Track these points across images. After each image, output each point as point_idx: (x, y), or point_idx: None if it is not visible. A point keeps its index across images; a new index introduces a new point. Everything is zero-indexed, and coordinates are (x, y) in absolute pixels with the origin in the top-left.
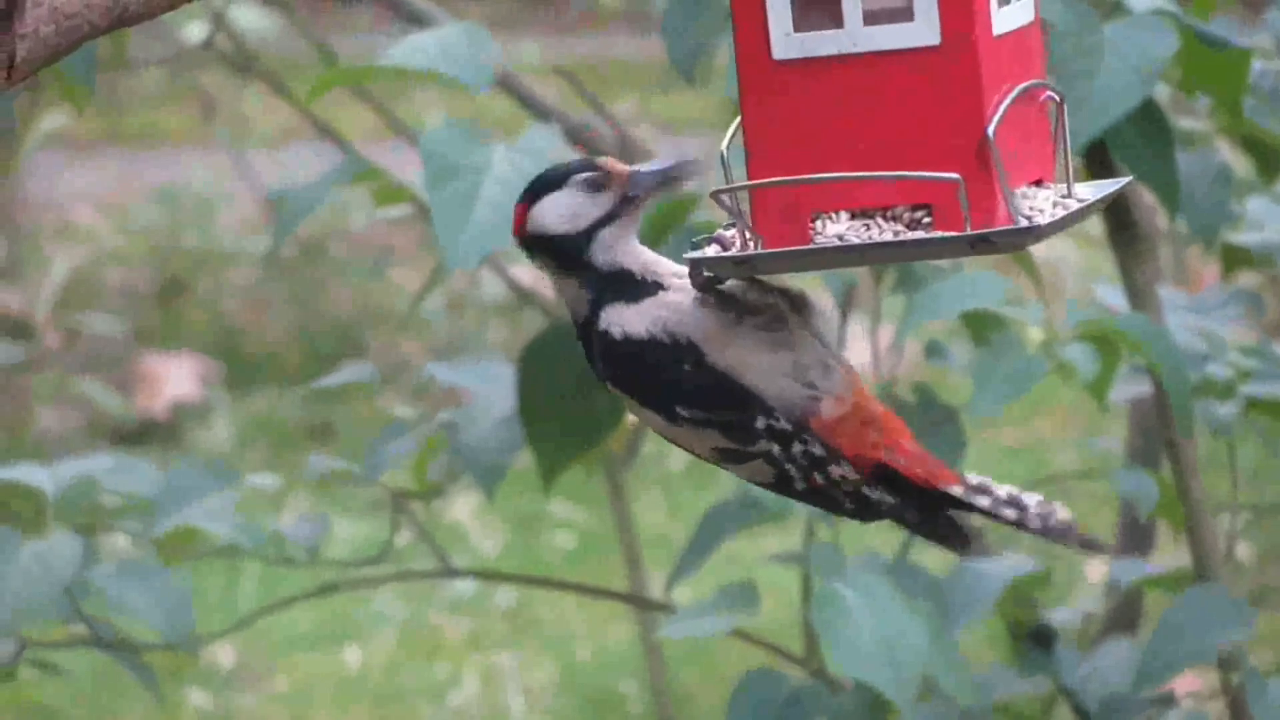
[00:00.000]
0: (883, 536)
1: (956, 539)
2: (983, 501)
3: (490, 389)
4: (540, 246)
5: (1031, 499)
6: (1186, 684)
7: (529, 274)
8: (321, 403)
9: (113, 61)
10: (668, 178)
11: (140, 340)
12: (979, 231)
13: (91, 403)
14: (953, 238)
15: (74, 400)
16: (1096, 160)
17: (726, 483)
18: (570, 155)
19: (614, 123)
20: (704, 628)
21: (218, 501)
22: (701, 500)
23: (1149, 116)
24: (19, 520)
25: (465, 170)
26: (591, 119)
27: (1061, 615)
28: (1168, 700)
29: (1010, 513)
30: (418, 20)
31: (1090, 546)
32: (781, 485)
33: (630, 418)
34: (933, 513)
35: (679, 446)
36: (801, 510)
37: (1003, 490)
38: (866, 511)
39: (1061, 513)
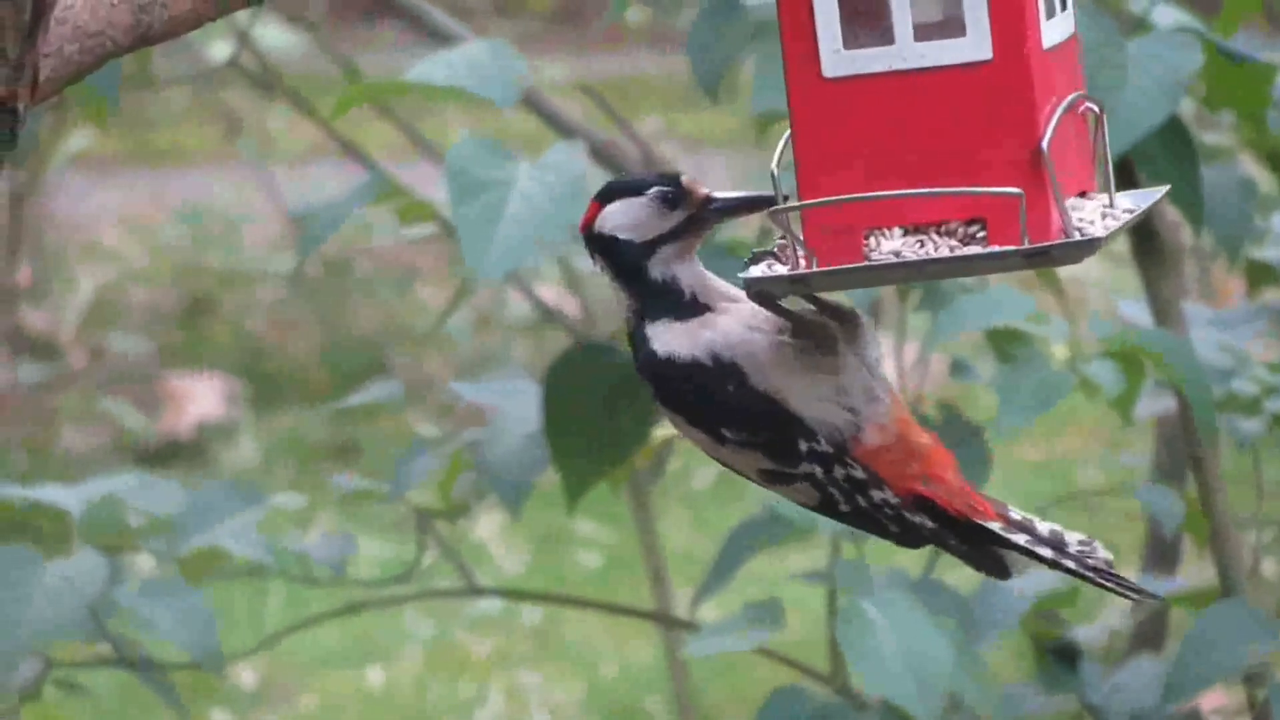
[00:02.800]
0: (908, 554)
1: (996, 568)
2: (1019, 539)
3: (515, 407)
4: (602, 247)
5: (1073, 537)
6: (1212, 700)
7: (554, 293)
8: (347, 421)
9: (137, 80)
10: (741, 207)
11: (165, 359)
12: (1037, 245)
13: (117, 422)
14: (1010, 252)
15: (99, 420)
16: (1121, 176)
17: (752, 500)
18: (596, 173)
19: (638, 140)
20: (729, 645)
21: (243, 521)
22: (727, 517)
23: (1173, 132)
24: (44, 540)
25: (490, 185)
26: (616, 136)
27: (1087, 632)
28: (1194, 716)
29: (1047, 552)
30: (443, 38)
31: (1129, 590)
32: (827, 507)
33: (659, 434)
34: (973, 543)
35: (726, 466)
36: (827, 528)
37: (1044, 527)
38: (909, 536)
39: (1101, 551)
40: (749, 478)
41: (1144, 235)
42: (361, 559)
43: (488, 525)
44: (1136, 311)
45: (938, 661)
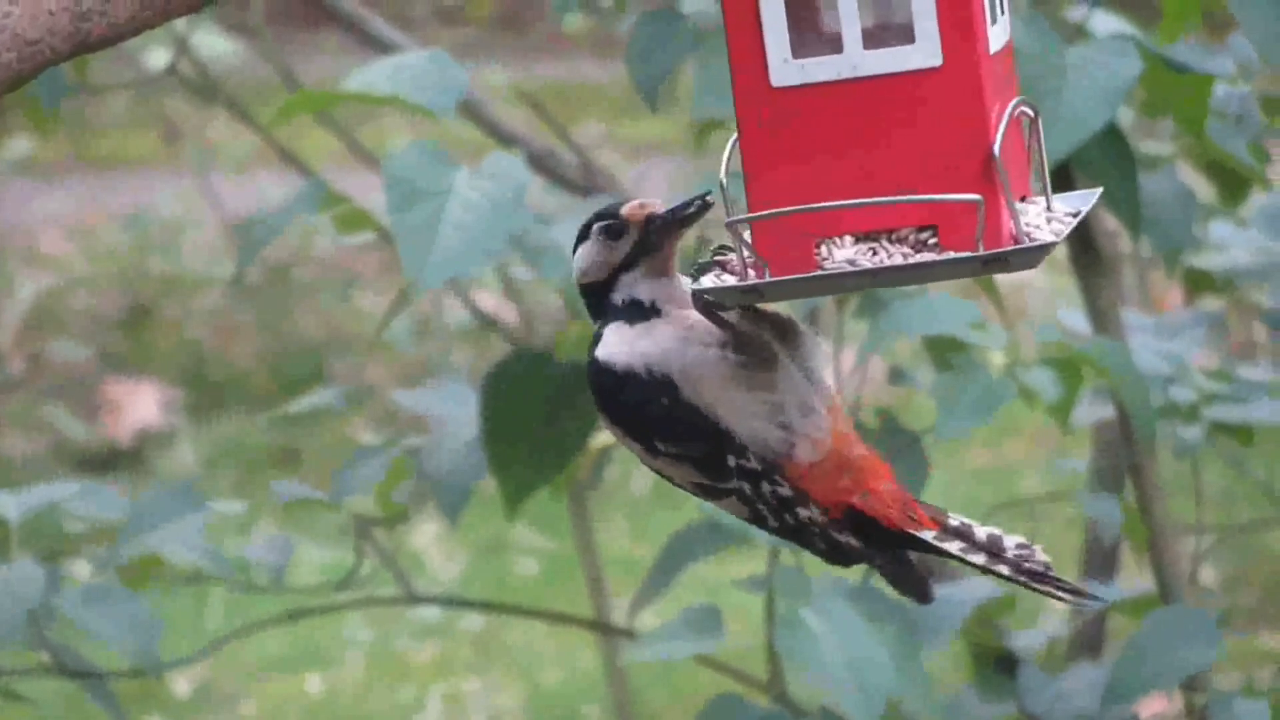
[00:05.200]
0: None
1: (919, 590)
2: (952, 547)
3: (455, 414)
4: (584, 294)
5: (1011, 541)
6: (1152, 706)
7: (492, 299)
8: (288, 428)
9: (77, 86)
10: (682, 215)
11: (106, 366)
12: (993, 251)
13: (57, 429)
14: (966, 258)
15: (39, 426)
16: (1059, 182)
17: (691, 507)
18: (535, 181)
19: (578, 147)
20: (668, 652)
21: (184, 527)
22: (666, 524)
23: (1112, 140)
24: None
25: (429, 194)
26: (556, 143)
27: (1026, 639)
28: None
29: (979, 558)
30: (383, 46)
31: (1067, 592)
32: (757, 522)
33: (597, 441)
34: (903, 556)
35: (662, 477)
36: (766, 534)
37: (983, 532)
38: (837, 554)
39: (1039, 555)
40: (685, 489)
41: (1083, 243)
42: (302, 566)
43: (426, 532)
44: (1076, 319)
45: (878, 669)
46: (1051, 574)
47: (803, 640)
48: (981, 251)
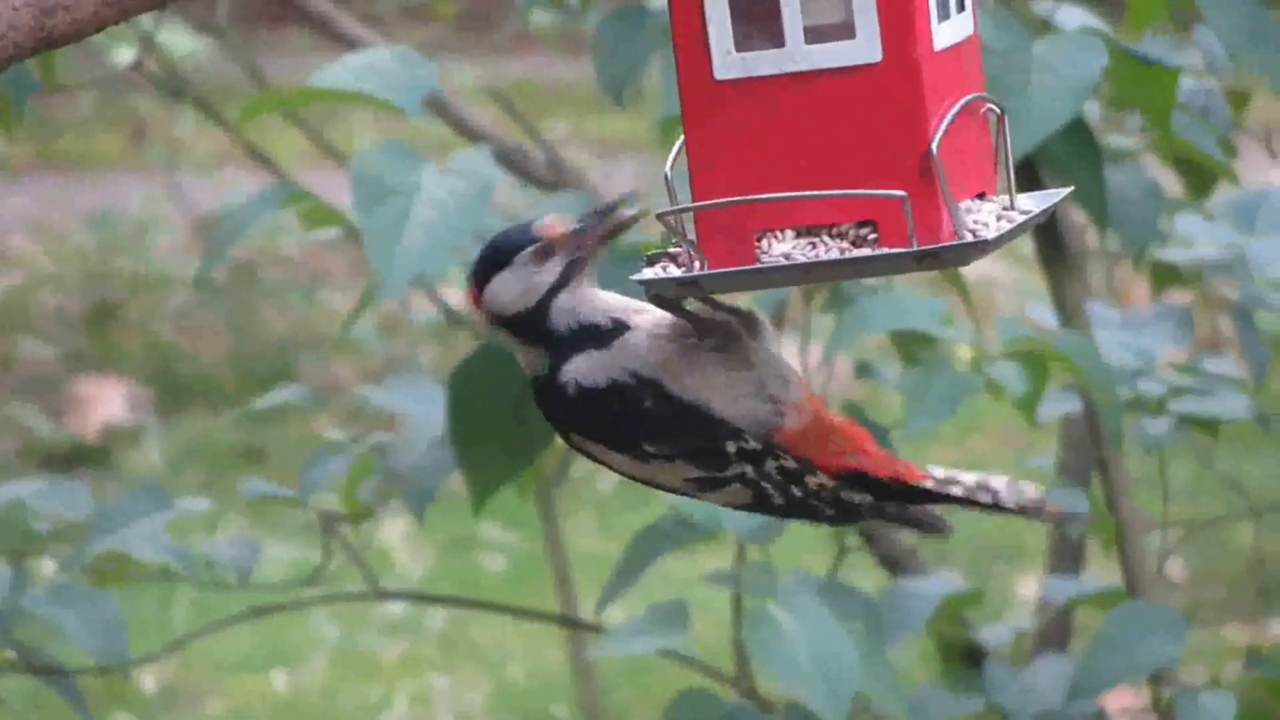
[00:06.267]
0: (814, 556)
1: (935, 526)
2: (955, 490)
3: (422, 411)
4: (500, 324)
5: (1000, 482)
6: (1119, 700)
7: (460, 296)
8: (254, 426)
9: (43, 84)
10: (607, 222)
11: (73, 365)
12: (926, 247)
13: (23, 427)
14: (900, 254)
15: (5, 425)
16: (1025, 177)
17: (658, 503)
18: (503, 178)
19: (546, 145)
20: (634, 647)
21: (150, 525)
22: (633, 520)
23: (1078, 133)
24: None
25: (396, 192)
26: (524, 141)
27: (993, 633)
28: (1100, 716)
29: (985, 497)
30: (350, 43)
31: (1065, 518)
32: (761, 505)
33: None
34: (910, 504)
35: (652, 485)
36: (732, 530)
37: (970, 477)
38: (847, 515)
39: (1030, 490)
40: (677, 491)
41: (1049, 238)
42: (268, 563)
43: (393, 530)
44: (1044, 314)
45: (846, 663)
46: (1048, 506)
47: (770, 636)
48: (915, 247)
